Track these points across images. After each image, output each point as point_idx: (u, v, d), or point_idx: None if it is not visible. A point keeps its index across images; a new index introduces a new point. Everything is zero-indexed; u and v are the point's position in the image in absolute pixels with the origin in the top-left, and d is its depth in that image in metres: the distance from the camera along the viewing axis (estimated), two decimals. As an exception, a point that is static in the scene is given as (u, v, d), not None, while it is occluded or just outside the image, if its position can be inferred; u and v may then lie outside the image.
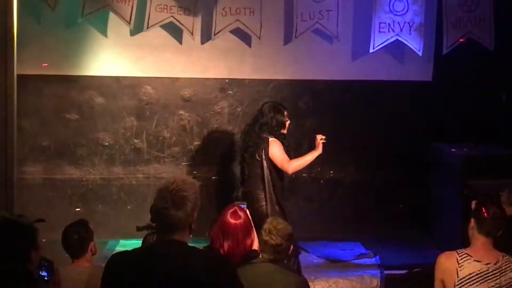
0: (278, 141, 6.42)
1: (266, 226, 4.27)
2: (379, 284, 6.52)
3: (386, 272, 6.70)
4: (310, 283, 6.02)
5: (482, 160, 7.22)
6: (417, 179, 7.97)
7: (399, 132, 8.04)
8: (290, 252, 4.36)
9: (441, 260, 4.36)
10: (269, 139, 6.44)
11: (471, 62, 7.92)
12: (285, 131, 6.53)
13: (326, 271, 6.67)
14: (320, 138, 6.38)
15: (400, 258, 7.17)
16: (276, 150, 6.41)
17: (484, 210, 4.27)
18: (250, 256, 4.25)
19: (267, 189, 6.43)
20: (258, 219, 5.02)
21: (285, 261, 4.28)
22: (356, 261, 7.06)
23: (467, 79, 7.98)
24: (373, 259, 7.09)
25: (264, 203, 6.39)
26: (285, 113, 6.53)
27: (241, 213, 4.28)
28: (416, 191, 8.00)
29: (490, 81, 8.02)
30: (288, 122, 6.53)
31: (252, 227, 4.33)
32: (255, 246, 4.33)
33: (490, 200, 4.38)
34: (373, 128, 7.96)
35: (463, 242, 4.62)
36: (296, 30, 7.54)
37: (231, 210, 4.29)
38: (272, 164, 6.42)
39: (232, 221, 4.23)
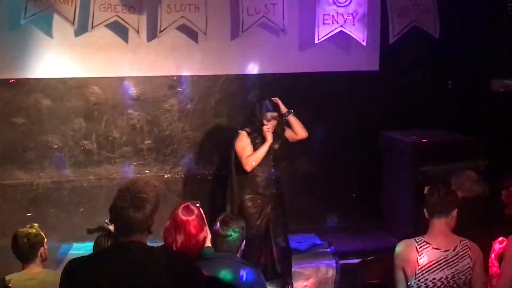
0: (246, 136, 6.39)
1: (218, 218, 4.29)
2: (334, 274, 6.58)
3: (341, 262, 6.76)
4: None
5: (431, 146, 7.32)
6: (368, 168, 8.04)
7: (350, 122, 8.11)
8: (243, 246, 4.36)
9: (400, 249, 4.41)
10: (239, 131, 6.46)
11: (417, 49, 8.03)
12: (266, 130, 6.39)
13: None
14: (266, 129, 6.36)
15: (355, 247, 7.24)
16: (239, 143, 6.41)
17: (431, 193, 4.35)
18: (204, 252, 4.25)
19: (230, 181, 6.44)
20: None
21: (239, 254, 4.28)
22: (312, 252, 7.10)
23: (414, 66, 8.09)
24: (328, 249, 7.15)
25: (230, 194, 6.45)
26: (269, 114, 6.40)
27: (193, 208, 4.27)
28: (368, 180, 8.07)
29: (436, 67, 8.14)
30: (270, 124, 6.39)
31: (204, 223, 4.33)
32: (208, 242, 4.32)
33: (436, 184, 4.45)
34: (323, 119, 7.99)
35: (416, 229, 4.68)
36: (242, 25, 7.53)
37: (183, 206, 4.29)
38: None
39: (183, 217, 4.22)
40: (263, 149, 6.36)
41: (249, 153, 6.36)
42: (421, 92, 8.16)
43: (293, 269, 6.57)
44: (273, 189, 6.43)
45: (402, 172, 7.46)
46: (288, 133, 6.64)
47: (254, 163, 6.38)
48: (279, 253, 6.39)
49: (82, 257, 3.24)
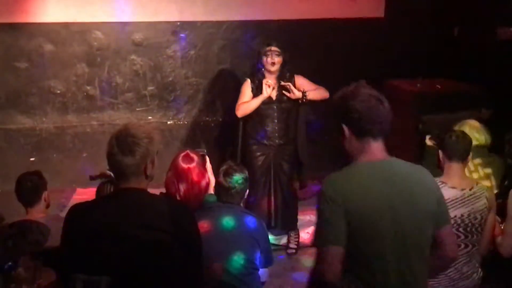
0: (249, 83, 6.32)
1: (221, 169, 4.30)
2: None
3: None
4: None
5: (434, 95, 7.28)
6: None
7: (354, 69, 8.02)
8: (245, 195, 4.38)
9: None
10: (245, 78, 6.40)
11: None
12: (265, 82, 6.20)
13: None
14: (265, 82, 6.24)
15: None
16: (241, 89, 6.34)
17: (451, 136, 4.39)
18: (206, 200, 4.27)
19: (235, 128, 6.42)
20: None
21: (241, 204, 4.30)
22: (314, 199, 7.10)
23: (420, 14, 8.00)
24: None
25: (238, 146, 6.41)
26: (267, 48, 6.21)
27: (193, 156, 4.27)
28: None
29: (442, 15, 8.05)
30: (267, 58, 6.19)
31: (206, 169, 4.33)
32: (211, 189, 4.34)
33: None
34: (328, 66, 7.94)
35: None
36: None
37: (182, 154, 4.28)
38: None
39: (184, 165, 4.22)
40: (256, 101, 6.21)
41: (244, 101, 6.30)
42: (426, 40, 8.09)
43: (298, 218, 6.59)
44: (280, 140, 6.33)
45: (405, 120, 7.44)
46: (304, 87, 6.38)
47: (244, 112, 6.25)
48: (283, 201, 6.38)
49: (84, 202, 3.25)
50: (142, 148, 3.10)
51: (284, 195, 6.38)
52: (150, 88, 7.88)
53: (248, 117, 6.31)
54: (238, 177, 4.27)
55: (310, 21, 7.95)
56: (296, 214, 6.54)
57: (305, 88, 6.31)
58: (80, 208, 3.19)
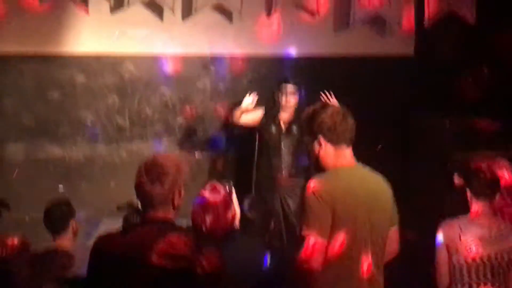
0: (261, 114, 6.31)
1: (245, 202, 4.32)
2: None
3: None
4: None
5: (463, 132, 7.25)
6: (399, 153, 7.99)
7: (383, 106, 8.04)
8: (271, 229, 4.39)
9: (443, 226, 4.44)
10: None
11: (453, 34, 7.93)
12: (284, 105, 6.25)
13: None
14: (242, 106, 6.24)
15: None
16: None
17: (477, 175, 4.37)
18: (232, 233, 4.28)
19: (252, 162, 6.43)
20: None
21: (266, 238, 4.31)
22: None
23: (449, 51, 8.00)
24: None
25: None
26: (283, 86, 6.33)
27: (220, 189, 4.29)
28: (398, 165, 8.02)
29: (471, 52, 8.04)
30: (283, 97, 6.29)
31: (232, 202, 4.35)
32: (237, 221, 4.35)
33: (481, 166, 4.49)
34: (356, 102, 7.91)
35: (444, 215, 4.66)
36: (275, 3, 7.51)
37: (209, 186, 4.31)
38: (259, 133, 6.36)
39: (211, 197, 4.24)
40: (250, 116, 6.20)
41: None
42: (456, 77, 8.06)
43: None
44: (290, 173, 6.26)
45: (434, 157, 7.40)
46: None
47: (237, 118, 6.37)
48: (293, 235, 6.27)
49: (110, 232, 3.29)
50: (170, 177, 3.14)
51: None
52: (179, 120, 7.93)
53: (259, 151, 6.32)
54: (261, 209, 4.28)
55: (339, 57, 7.98)
56: None
57: None
58: (107, 238, 3.22)
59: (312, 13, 7.75)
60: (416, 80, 8.03)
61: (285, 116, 6.19)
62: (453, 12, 7.69)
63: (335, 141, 3.73)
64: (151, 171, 3.14)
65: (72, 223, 4.79)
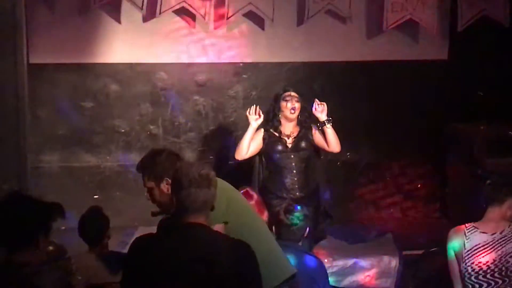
0: (261, 131, 6.10)
1: (281, 206, 4.32)
2: (397, 264, 6.50)
3: (404, 252, 6.69)
4: (329, 264, 6.07)
5: (497, 139, 7.18)
6: (434, 159, 7.93)
7: (416, 112, 7.99)
8: (305, 234, 4.37)
9: (450, 234, 4.57)
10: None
11: (487, 38, 7.86)
12: (286, 114, 6.02)
13: (345, 252, 6.65)
14: (248, 112, 6.03)
15: (418, 238, 7.18)
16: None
17: (489, 182, 4.46)
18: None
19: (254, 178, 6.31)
20: None
21: (300, 243, 4.29)
22: (374, 242, 7.05)
23: (483, 55, 7.91)
24: (391, 240, 7.08)
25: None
26: (286, 94, 6.07)
27: (253, 193, 4.30)
28: (433, 172, 7.97)
29: (507, 57, 7.95)
30: (287, 104, 5.99)
31: (264, 207, 4.36)
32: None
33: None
34: (389, 109, 7.91)
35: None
36: (308, 12, 7.49)
37: (243, 191, 4.32)
38: (264, 153, 6.19)
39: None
40: (246, 135, 6.02)
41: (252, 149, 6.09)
42: (491, 82, 7.98)
43: (356, 258, 6.49)
44: (300, 193, 5.95)
45: (467, 164, 7.33)
46: (318, 141, 6.11)
47: (239, 152, 6.10)
48: None
49: (147, 235, 3.29)
50: (214, 184, 3.15)
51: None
52: (211, 128, 7.96)
53: (266, 170, 6.17)
54: (299, 214, 4.27)
55: (372, 63, 7.95)
56: None
57: (319, 142, 6.08)
58: (143, 241, 3.21)
59: (344, 20, 7.72)
60: (451, 85, 7.96)
61: (288, 128, 5.98)
62: (486, 15, 7.61)
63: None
64: (199, 176, 3.13)
65: (107, 234, 4.83)
